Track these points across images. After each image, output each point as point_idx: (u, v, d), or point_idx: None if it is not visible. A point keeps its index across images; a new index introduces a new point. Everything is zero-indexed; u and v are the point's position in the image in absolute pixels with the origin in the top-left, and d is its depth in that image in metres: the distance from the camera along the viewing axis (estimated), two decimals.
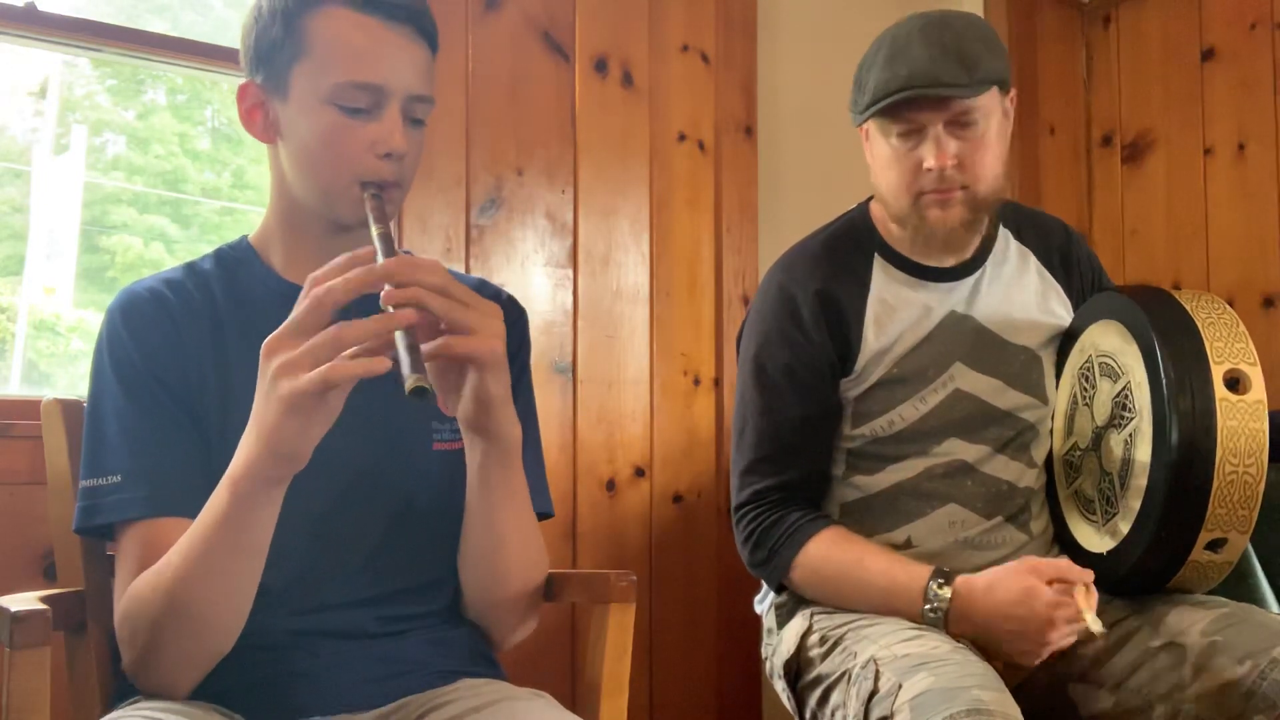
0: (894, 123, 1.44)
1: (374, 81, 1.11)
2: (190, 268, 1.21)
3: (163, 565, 1.01)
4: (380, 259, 1.03)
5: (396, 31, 1.12)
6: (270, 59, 1.14)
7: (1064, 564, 1.33)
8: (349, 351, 0.93)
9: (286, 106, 1.14)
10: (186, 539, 1.00)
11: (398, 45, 1.12)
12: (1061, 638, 1.30)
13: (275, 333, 0.94)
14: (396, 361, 0.94)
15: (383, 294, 0.97)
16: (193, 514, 1.01)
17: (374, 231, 1.08)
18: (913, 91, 1.39)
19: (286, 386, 0.91)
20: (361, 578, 1.15)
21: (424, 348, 0.98)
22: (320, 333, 0.93)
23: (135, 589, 1.03)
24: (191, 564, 0.98)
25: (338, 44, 1.11)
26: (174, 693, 1.04)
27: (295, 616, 1.11)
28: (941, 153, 1.42)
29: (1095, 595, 1.31)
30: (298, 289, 1.17)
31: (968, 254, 1.54)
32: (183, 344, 1.13)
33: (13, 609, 0.98)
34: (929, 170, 1.43)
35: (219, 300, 1.17)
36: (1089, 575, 1.31)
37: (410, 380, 0.92)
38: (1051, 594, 1.29)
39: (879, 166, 1.50)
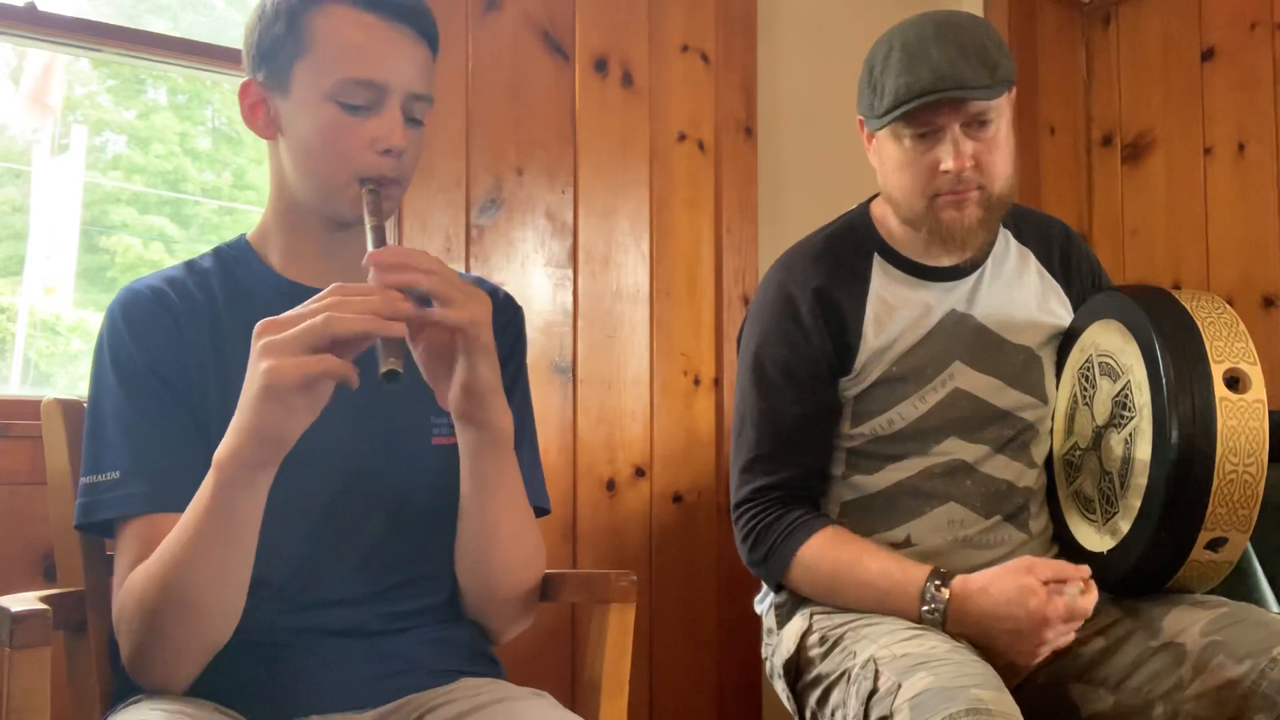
0: (910, 125, 1.42)
1: (376, 79, 1.12)
2: (190, 266, 1.21)
3: (157, 556, 1.01)
4: (371, 249, 1.04)
5: (398, 31, 1.14)
6: (273, 56, 1.15)
7: (1061, 563, 1.33)
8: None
9: (288, 103, 1.15)
10: (178, 528, 1.00)
11: (399, 44, 1.14)
12: (1057, 636, 1.30)
13: (272, 317, 0.95)
14: (374, 348, 0.96)
15: (371, 276, 0.99)
16: None
17: (367, 224, 1.10)
18: (939, 94, 1.38)
19: (265, 368, 0.92)
20: (360, 573, 1.15)
21: (418, 313, 0.99)
22: (310, 319, 0.93)
23: (131, 581, 1.03)
24: (182, 552, 0.99)
25: (340, 41, 1.12)
26: (173, 686, 1.04)
27: (294, 613, 1.11)
28: (960, 154, 1.42)
29: (1094, 594, 1.31)
30: (297, 286, 1.18)
31: (968, 253, 1.53)
32: (183, 341, 1.14)
33: (13, 609, 0.98)
34: (946, 172, 1.42)
35: (219, 298, 1.18)
36: (1085, 571, 1.31)
37: (385, 364, 0.94)
38: (1047, 593, 1.29)
39: (890, 168, 1.49)
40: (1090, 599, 1.30)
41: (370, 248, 1.06)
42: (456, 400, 1.07)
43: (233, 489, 0.97)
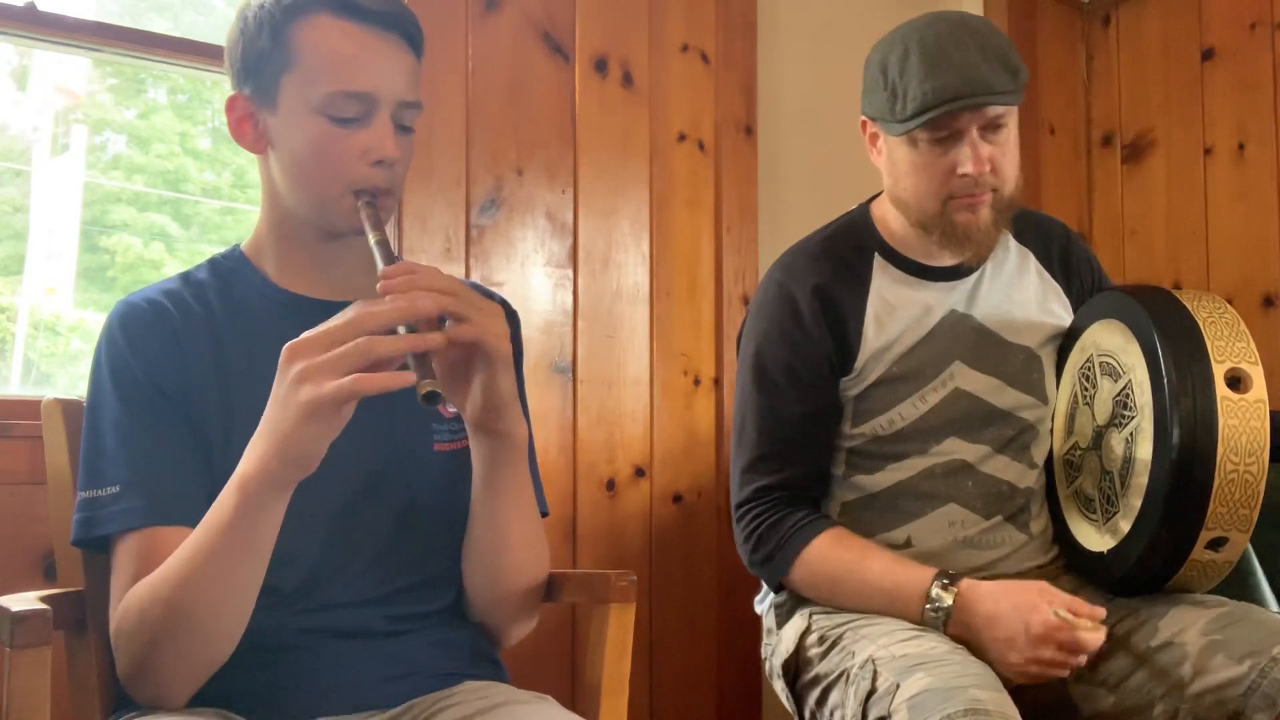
0: (930, 129, 1.42)
1: (365, 90, 1.11)
2: (186, 278, 1.21)
3: (162, 572, 1.00)
4: (380, 266, 1.04)
5: (384, 39, 1.12)
6: (258, 70, 1.13)
7: (1074, 599, 1.32)
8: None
9: (276, 117, 1.14)
10: (190, 544, 0.99)
11: (386, 53, 1.12)
12: (1050, 658, 1.28)
13: (301, 338, 0.95)
14: (406, 367, 0.95)
15: (389, 299, 0.98)
16: (191, 523, 1.01)
17: (371, 240, 1.09)
18: (969, 99, 1.37)
19: (309, 393, 0.92)
20: (368, 577, 1.15)
21: (434, 336, 0.99)
22: (350, 343, 0.93)
23: (132, 597, 1.02)
24: (195, 568, 0.98)
25: (327, 53, 1.10)
26: (171, 702, 1.03)
27: (302, 615, 1.11)
28: (979, 158, 1.42)
29: (1102, 634, 1.29)
30: (295, 297, 1.18)
31: (978, 255, 1.53)
32: (182, 353, 1.13)
33: (13, 609, 0.98)
34: (965, 175, 1.42)
35: (216, 309, 1.17)
36: (1100, 613, 1.30)
37: (423, 385, 0.93)
38: (1052, 615, 1.29)
39: (903, 171, 1.48)
40: (1097, 638, 1.28)
41: (380, 264, 1.05)
42: (475, 412, 1.07)
43: (256, 509, 0.97)
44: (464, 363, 1.06)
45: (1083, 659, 1.29)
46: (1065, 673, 1.30)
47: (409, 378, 0.94)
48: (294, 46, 1.11)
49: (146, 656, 1.01)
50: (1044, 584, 1.35)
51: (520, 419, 1.11)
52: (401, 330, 0.97)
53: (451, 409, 1.16)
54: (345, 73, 1.10)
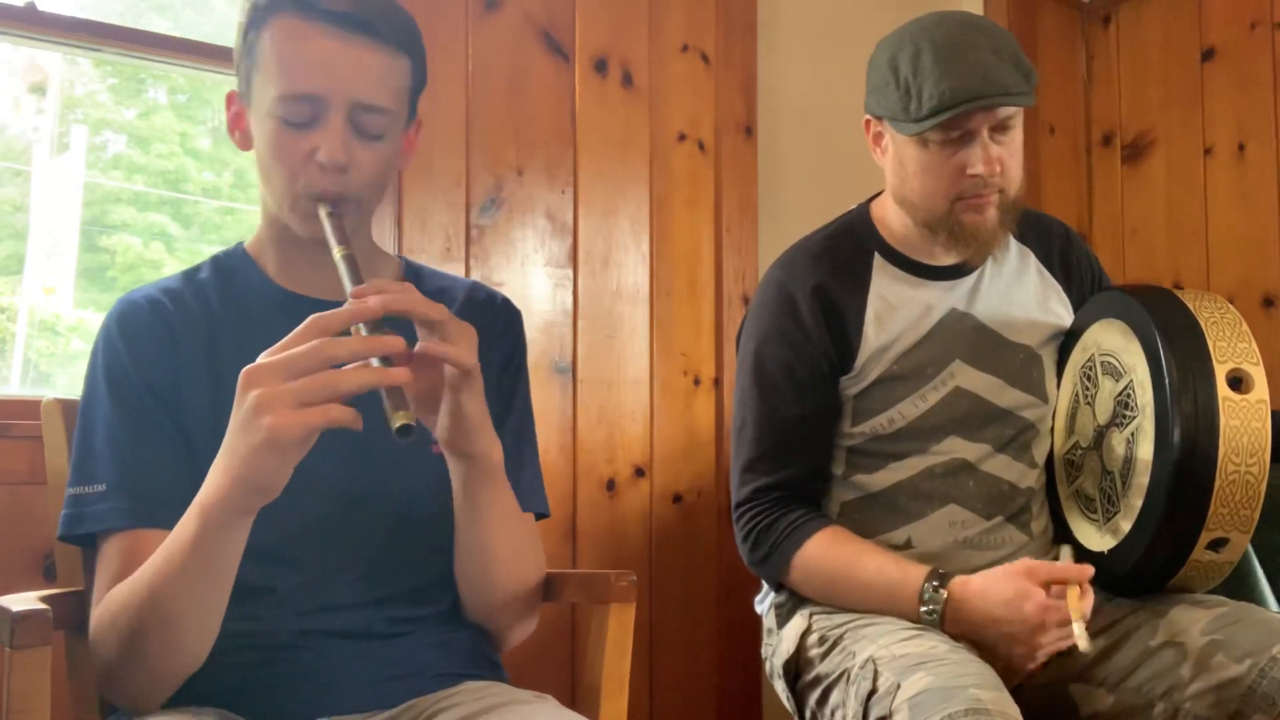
0: (942, 129, 1.42)
1: (311, 92, 1.08)
2: (188, 276, 1.20)
3: (134, 580, 1.00)
4: (347, 284, 1.02)
5: (344, 40, 1.09)
6: (239, 69, 1.15)
7: (1060, 566, 1.33)
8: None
9: (252, 117, 1.15)
10: (157, 558, 0.99)
11: (344, 54, 1.09)
12: (1052, 641, 1.29)
13: (260, 363, 0.92)
14: (380, 399, 0.94)
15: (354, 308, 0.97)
16: (174, 526, 1.01)
17: (336, 255, 1.06)
18: (987, 99, 1.37)
19: (269, 423, 0.89)
20: (368, 580, 1.15)
21: (399, 371, 0.96)
22: (313, 376, 0.90)
23: (109, 600, 1.02)
24: (162, 581, 0.97)
25: (280, 56, 1.10)
26: (145, 707, 1.03)
27: (302, 616, 1.11)
28: (990, 159, 1.42)
29: (1091, 596, 1.31)
30: (292, 295, 1.18)
31: (984, 255, 1.53)
32: (177, 354, 1.13)
33: (13, 609, 0.98)
34: (975, 176, 1.42)
35: (215, 309, 1.17)
36: (1087, 572, 1.31)
37: (396, 418, 0.92)
38: (1044, 597, 1.29)
39: (910, 171, 1.48)
40: (1087, 603, 1.29)
41: (347, 283, 1.02)
42: (445, 434, 1.07)
43: (217, 532, 0.96)
44: (433, 386, 1.05)
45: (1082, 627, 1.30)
46: (1070, 643, 1.31)
47: (359, 422, 0.91)
48: (259, 49, 1.11)
49: (122, 662, 1.01)
50: (1027, 562, 1.34)
51: (494, 441, 1.09)
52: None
53: None
54: (294, 75, 1.08)
